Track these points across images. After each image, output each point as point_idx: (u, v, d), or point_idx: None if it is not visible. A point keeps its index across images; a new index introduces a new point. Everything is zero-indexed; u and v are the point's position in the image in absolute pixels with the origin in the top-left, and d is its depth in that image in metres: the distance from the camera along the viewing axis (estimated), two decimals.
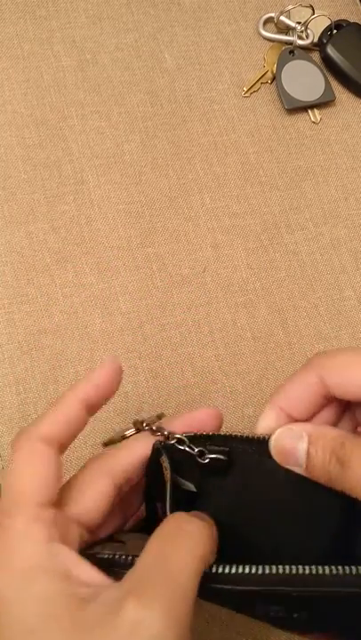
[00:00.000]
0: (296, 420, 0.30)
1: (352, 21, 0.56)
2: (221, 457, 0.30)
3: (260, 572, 0.26)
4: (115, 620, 0.22)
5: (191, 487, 0.31)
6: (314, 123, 0.54)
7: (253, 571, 0.26)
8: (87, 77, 0.53)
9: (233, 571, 0.26)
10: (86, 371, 0.45)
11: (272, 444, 0.29)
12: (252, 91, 0.55)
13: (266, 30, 0.56)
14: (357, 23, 0.56)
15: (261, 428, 0.30)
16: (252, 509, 0.30)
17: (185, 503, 0.30)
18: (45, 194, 0.49)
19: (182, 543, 0.25)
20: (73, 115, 0.52)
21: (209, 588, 0.26)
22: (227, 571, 0.26)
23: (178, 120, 0.53)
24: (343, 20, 0.56)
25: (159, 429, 0.31)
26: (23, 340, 0.45)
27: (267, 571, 0.26)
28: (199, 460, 0.30)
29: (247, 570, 0.26)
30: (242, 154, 0.53)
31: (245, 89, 0.54)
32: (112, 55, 0.54)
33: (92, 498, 0.29)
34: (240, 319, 0.48)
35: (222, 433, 0.30)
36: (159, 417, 0.33)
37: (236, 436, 0.30)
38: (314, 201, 0.52)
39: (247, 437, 0.30)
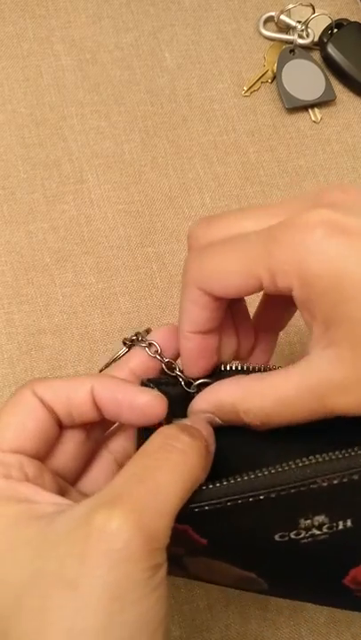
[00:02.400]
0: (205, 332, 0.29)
1: (353, 20, 0.56)
2: (209, 381, 0.29)
3: (276, 470, 0.25)
4: (83, 530, 0.22)
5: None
6: (314, 122, 0.54)
7: (267, 472, 0.25)
8: (87, 77, 0.53)
9: (245, 477, 0.25)
10: (86, 371, 0.45)
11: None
12: (252, 90, 0.54)
13: (266, 29, 0.56)
14: (358, 22, 0.56)
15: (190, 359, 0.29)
16: (251, 443, 0.29)
17: None
18: (45, 193, 0.49)
19: (168, 460, 0.25)
20: (73, 114, 0.51)
21: (209, 512, 0.25)
22: (238, 479, 0.25)
23: (178, 119, 0.53)
24: (344, 19, 0.56)
25: (149, 343, 0.31)
26: (23, 340, 0.45)
27: (285, 467, 0.25)
28: (187, 389, 0.30)
29: (260, 474, 0.25)
30: (242, 153, 0.53)
31: (246, 88, 0.54)
32: (112, 54, 0.54)
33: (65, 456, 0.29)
34: None
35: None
36: (147, 331, 0.32)
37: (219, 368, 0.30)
38: None
39: (232, 368, 0.29)
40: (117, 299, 0.47)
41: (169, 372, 0.30)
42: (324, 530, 0.25)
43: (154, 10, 0.56)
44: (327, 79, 0.55)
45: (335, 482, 0.24)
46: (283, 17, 0.55)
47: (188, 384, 0.30)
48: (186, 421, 0.28)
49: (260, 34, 0.56)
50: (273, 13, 0.56)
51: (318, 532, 0.26)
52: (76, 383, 0.28)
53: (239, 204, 0.51)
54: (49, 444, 0.28)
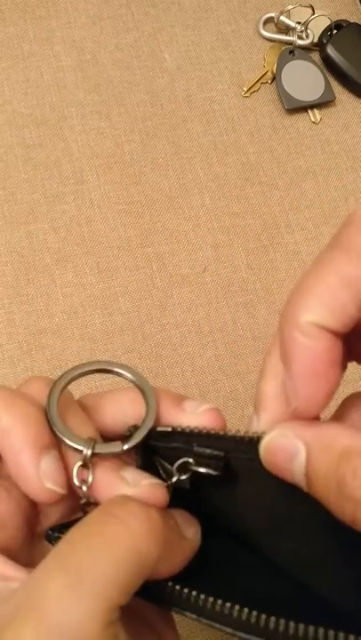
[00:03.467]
0: (336, 332, 0.19)
1: (352, 21, 0.56)
2: (213, 472, 0.23)
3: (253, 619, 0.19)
4: None
5: (185, 483, 0.24)
6: (314, 123, 0.54)
7: (235, 613, 0.19)
8: (87, 77, 0.53)
9: (217, 606, 0.20)
10: None
11: (262, 454, 0.21)
12: (252, 91, 0.55)
13: (266, 30, 0.56)
14: (357, 23, 0.56)
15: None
16: (253, 520, 0.24)
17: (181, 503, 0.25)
18: (45, 194, 0.49)
19: (101, 536, 0.19)
20: (73, 115, 0.52)
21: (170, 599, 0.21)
22: (208, 604, 0.20)
23: (178, 120, 0.53)
24: (343, 20, 0.56)
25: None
26: (23, 340, 0.45)
27: (262, 622, 0.19)
28: (176, 476, 0.23)
29: (237, 612, 0.20)
30: (242, 154, 0.53)
31: (245, 89, 0.54)
32: (112, 55, 0.54)
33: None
34: (240, 319, 0.48)
35: (206, 430, 0.23)
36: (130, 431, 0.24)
37: (227, 435, 0.23)
38: (314, 201, 0.52)
39: (241, 438, 0.22)
40: (117, 299, 0.47)
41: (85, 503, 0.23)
42: None
43: (154, 11, 0.56)
44: (327, 80, 0.55)
45: None
46: (282, 18, 0.56)
47: (185, 468, 0.23)
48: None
49: (260, 35, 0.56)
50: (273, 14, 0.56)
51: None
52: None
53: (239, 204, 0.51)
54: None
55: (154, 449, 0.24)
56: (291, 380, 0.20)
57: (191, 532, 0.23)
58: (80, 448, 0.22)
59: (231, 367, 0.47)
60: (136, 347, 0.46)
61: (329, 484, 0.18)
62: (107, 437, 0.25)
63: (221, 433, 0.23)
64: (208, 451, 0.23)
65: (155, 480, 0.23)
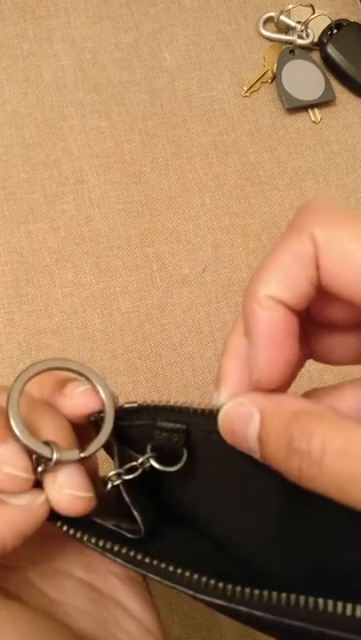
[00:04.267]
0: (293, 310, 0.21)
1: (352, 21, 0.56)
2: (170, 469, 0.24)
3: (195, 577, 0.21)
4: None
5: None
6: (314, 122, 0.54)
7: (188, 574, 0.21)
8: (87, 77, 0.53)
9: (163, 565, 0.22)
10: None
11: (220, 423, 0.22)
12: (252, 90, 0.54)
13: (266, 30, 0.56)
14: (357, 23, 0.56)
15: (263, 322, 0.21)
16: (215, 496, 0.25)
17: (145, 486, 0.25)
18: (45, 193, 0.49)
19: None
20: (73, 114, 0.52)
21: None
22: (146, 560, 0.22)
23: (178, 119, 0.53)
24: (343, 20, 0.56)
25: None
26: (23, 340, 0.45)
27: (204, 580, 0.21)
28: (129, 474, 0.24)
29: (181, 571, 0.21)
30: (242, 153, 0.53)
31: (245, 88, 0.54)
32: (112, 55, 0.54)
33: None
34: None
35: (170, 404, 0.24)
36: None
37: (189, 408, 0.23)
38: None
39: (202, 411, 0.23)
40: (117, 299, 0.47)
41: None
42: None
43: (154, 10, 0.56)
44: (327, 79, 0.55)
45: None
46: (282, 17, 0.56)
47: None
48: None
49: (260, 34, 0.56)
50: (273, 14, 0.56)
51: None
52: None
53: (239, 203, 0.51)
54: None
55: (119, 430, 0.25)
56: (252, 349, 0.21)
57: (25, 498, 0.23)
58: (45, 455, 0.23)
59: None
60: (136, 347, 0.46)
61: (279, 443, 0.19)
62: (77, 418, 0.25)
63: (185, 406, 0.23)
64: (170, 424, 0.23)
65: (77, 492, 0.23)
